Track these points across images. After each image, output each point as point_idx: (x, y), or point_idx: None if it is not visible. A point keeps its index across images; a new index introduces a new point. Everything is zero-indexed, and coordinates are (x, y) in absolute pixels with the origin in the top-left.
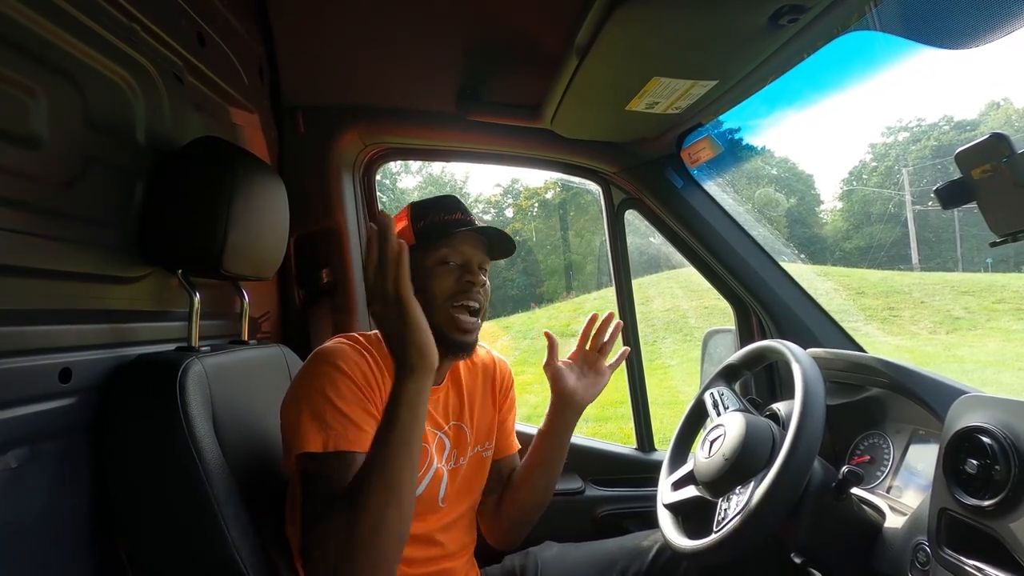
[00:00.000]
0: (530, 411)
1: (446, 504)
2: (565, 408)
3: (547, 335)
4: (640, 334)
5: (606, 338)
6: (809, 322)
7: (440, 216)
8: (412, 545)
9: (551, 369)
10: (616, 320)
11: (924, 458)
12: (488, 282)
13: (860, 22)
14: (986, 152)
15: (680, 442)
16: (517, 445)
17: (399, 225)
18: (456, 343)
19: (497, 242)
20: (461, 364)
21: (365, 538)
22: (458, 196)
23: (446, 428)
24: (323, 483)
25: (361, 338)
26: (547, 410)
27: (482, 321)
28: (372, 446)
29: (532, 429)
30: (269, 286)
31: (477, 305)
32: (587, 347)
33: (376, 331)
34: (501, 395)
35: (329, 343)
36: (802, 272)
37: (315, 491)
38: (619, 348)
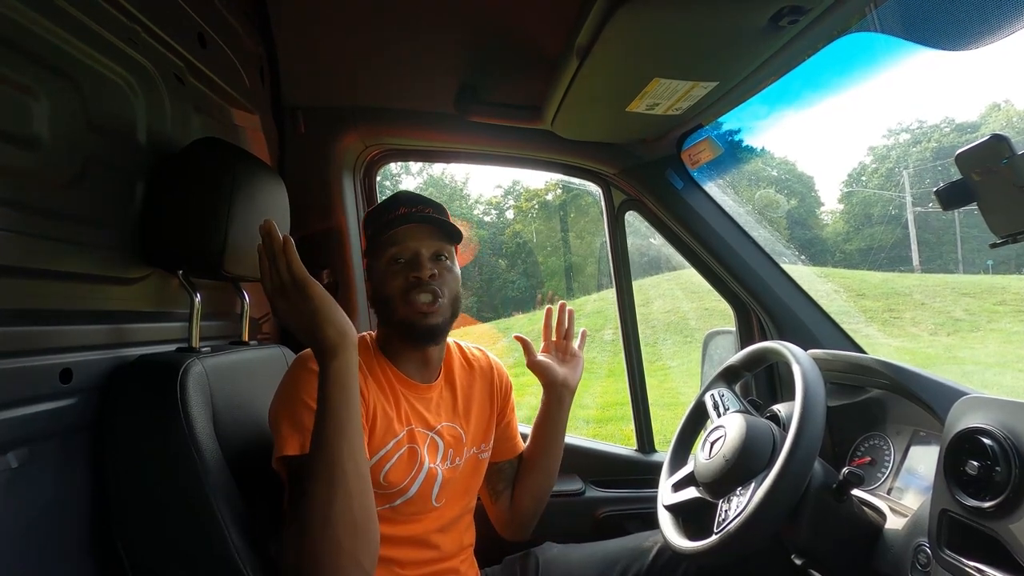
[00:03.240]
0: (531, 412)
1: (442, 504)
2: (561, 394)
3: (518, 338)
4: (640, 335)
5: (566, 324)
6: (809, 323)
7: (384, 217)
8: (407, 547)
9: (536, 365)
10: (568, 306)
11: (925, 459)
12: (449, 270)
13: (860, 23)
14: (986, 154)
15: (680, 443)
16: (522, 446)
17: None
18: (418, 328)
19: (444, 226)
20: (456, 364)
21: (316, 531)
22: (457, 197)
23: (438, 427)
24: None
25: None
26: (542, 401)
27: (451, 306)
28: (312, 435)
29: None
30: None
31: (430, 296)
32: (553, 337)
33: (366, 333)
34: (501, 399)
35: (308, 348)
36: (802, 273)
37: (294, 493)
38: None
